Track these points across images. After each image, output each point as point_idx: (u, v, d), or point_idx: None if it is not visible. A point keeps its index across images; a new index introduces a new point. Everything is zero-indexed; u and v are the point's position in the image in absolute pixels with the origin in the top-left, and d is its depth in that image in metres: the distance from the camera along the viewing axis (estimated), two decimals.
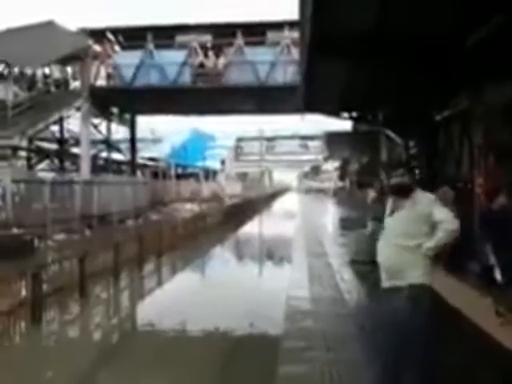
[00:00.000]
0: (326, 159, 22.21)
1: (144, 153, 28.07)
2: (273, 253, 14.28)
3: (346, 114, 10.78)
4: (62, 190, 14.31)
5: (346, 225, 14.14)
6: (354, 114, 10.97)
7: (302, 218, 19.07)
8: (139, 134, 26.53)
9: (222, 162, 34.04)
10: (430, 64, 6.39)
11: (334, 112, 10.55)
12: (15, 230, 10.70)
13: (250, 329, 6.52)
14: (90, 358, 5.80)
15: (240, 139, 40.02)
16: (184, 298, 8.64)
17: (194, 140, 29.27)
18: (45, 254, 10.33)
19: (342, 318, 5.08)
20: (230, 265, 13.14)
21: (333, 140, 11.57)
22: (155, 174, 25.41)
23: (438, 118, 9.07)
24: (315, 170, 54.58)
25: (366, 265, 6.81)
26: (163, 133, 29.49)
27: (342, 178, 34.27)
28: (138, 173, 23.44)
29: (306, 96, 8.92)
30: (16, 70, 14.00)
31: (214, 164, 31.66)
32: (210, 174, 30.67)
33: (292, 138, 44.90)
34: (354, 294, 6.19)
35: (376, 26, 5.47)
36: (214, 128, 30.56)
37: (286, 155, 46.05)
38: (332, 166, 35.71)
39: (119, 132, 20.87)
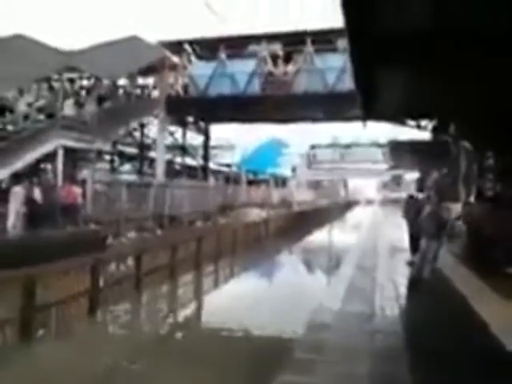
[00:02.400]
0: (389, 169, 21.23)
1: (218, 159, 29.15)
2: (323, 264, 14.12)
3: (412, 122, 10.31)
4: (137, 192, 15.41)
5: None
6: (423, 123, 10.45)
7: (373, 230, 18.48)
8: (215, 141, 27.67)
9: (293, 170, 34.10)
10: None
11: (399, 120, 10.14)
12: (92, 226, 11.77)
13: None
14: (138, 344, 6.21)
15: (313, 146, 39.74)
16: (230, 297, 8.96)
17: (266, 146, 29.71)
18: (115, 249, 11.20)
19: None
20: (281, 270, 13.25)
21: (397, 149, 11.07)
22: (227, 180, 26.23)
23: None
24: (396, 180, 52.16)
25: None
26: (238, 140, 30.34)
27: (420, 190, 32.53)
28: (212, 178, 24.41)
29: (364, 104, 8.71)
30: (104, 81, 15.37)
31: (285, 171, 31.84)
32: (280, 181, 30.87)
33: (369, 145, 43.46)
34: None
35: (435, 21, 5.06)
36: (287, 135, 30.76)
37: (362, 163, 44.60)
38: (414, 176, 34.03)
39: (195, 139, 21.96)
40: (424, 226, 8.93)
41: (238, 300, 9.10)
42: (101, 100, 15.36)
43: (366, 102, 8.44)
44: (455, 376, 3.77)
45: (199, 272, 12.07)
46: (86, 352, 6.13)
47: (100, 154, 15.25)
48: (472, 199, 12.07)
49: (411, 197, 10.51)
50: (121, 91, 17.26)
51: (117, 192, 14.14)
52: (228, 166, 29.25)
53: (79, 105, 14.24)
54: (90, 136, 12.66)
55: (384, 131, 25.72)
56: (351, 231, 23.18)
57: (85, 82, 16.72)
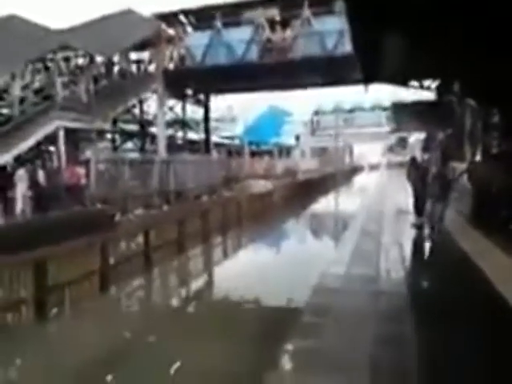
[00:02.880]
0: (392, 132, 20.94)
1: (221, 132, 28.93)
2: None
3: (415, 83, 10.09)
4: (141, 169, 15.44)
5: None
6: (426, 83, 10.22)
7: (379, 195, 18.51)
8: (216, 114, 27.41)
9: (297, 138, 33.76)
10: None
11: (401, 81, 9.92)
12: (99, 206, 11.87)
13: None
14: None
15: (316, 113, 39.13)
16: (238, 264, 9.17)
17: (267, 116, 29.37)
18: (124, 226, 11.33)
19: None
20: (287, 239, 13.42)
21: (400, 111, 10.86)
22: (230, 153, 26.12)
23: None
24: (401, 143, 51.47)
25: None
26: (240, 111, 30.02)
27: (425, 150, 32.24)
28: (214, 152, 24.31)
29: (363, 67, 8.51)
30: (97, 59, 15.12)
31: (288, 140, 31.59)
32: (284, 151, 30.69)
33: (373, 109, 42.72)
34: None
35: None
36: (289, 104, 30.32)
37: (367, 128, 43.99)
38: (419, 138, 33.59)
39: (195, 113, 21.73)
40: (430, 187, 8.90)
41: (246, 269, 9.28)
42: (97, 78, 15.16)
43: (366, 64, 8.25)
44: (458, 332, 3.85)
45: (207, 245, 12.23)
46: (101, 327, 6.31)
47: (101, 133, 15.18)
48: (477, 158, 11.94)
49: (413, 159, 10.43)
50: (117, 68, 17.00)
51: (121, 170, 14.19)
52: (231, 138, 29.05)
53: (75, 84, 14.07)
54: (90, 115, 12.57)
55: (387, 94, 25.31)
56: (357, 196, 23.20)
57: (80, 61, 16.45)
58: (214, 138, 26.34)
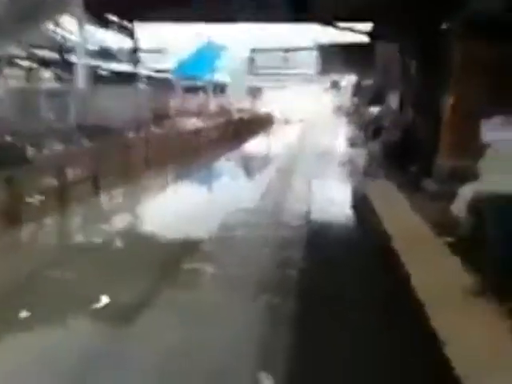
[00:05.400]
0: (320, 73, 21.12)
1: (151, 64, 27.26)
2: None
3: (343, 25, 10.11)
4: (59, 101, 14.40)
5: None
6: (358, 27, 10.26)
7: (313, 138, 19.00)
8: (147, 44, 25.65)
9: (232, 76, 32.89)
10: None
11: (330, 22, 9.90)
12: (8, 139, 11.01)
13: None
14: None
15: (253, 50, 38.03)
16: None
17: (203, 50, 28.02)
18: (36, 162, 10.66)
19: None
20: (210, 178, 13.62)
21: (327, 52, 10.87)
22: (160, 87, 24.95)
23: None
24: (335, 86, 51.96)
25: None
26: (172, 44, 28.33)
27: (355, 94, 33.08)
28: (143, 85, 23.04)
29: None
30: None
31: (223, 77, 30.64)
32: (218, 88, 29.80)
33: (311, 49, 42.27)
34: None
35: None
36: (226, 39, 28.95)
37: (304, 69, 43.72)
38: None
39: (124, 43, 20.15)
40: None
41: (164, 208, 9.29)
42: None
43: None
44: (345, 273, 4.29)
45: (127, 182, 11.95)
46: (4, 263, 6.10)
47: (12, 59, 13.73)
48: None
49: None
50: None
51: (33, 102, 13.14)
52: (162, 71, 27.58)
53: None
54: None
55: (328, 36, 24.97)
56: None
57: None
58: (144, 71, 24.88)
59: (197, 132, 19.38)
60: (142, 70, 23.30)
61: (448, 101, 6.58)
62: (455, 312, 3.34)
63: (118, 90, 18.16)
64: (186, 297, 4.32)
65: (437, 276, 4.00)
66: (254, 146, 21.81)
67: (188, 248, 5.77)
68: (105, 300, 4.28)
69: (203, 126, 21.04)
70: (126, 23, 18.32)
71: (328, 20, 10.16)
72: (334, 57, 10.43)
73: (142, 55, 26.97)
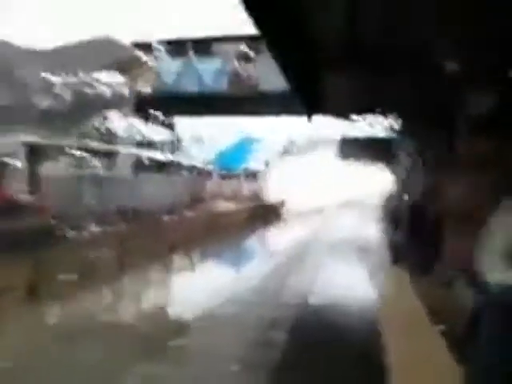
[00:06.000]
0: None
1: (192, 154, 29.31)
2: None
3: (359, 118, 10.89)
4: (102, 186, 15.63)
5: None
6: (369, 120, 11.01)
7: None
8: (187, 136, 27.90)
9: (267, 164, 34.36)
10: None
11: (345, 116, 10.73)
12: (51, 222, 11.93)
13: None
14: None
15: (290, 142, 40.06)
16: None
17: (241, 144, 30.08)
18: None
19: None
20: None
21: (347, 145, 11.56)
22: (200, 174, 26.52)
23: None
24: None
25: None
26: (209, 136, 30.62)
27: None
28: (184, 173, 24.63)
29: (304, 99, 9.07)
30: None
31: (256, 165, 32.09)
32: (250, 175, 31.14)
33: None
34: None
35: None
36: (260, 130, 30.88)
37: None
38: None
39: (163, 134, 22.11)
40: None
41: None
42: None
43: (307, 98, 8.79)
44: None
45: (154, 262, 12.40)
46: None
47: (62, 149, 15.39)
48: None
49: None
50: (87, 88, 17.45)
51: (79, 187, 14.40)
52: (202, 161, 29.48)
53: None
54: (48, 131, 12.86)
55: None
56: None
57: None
58: (186, 160, 26.70)
59: (227, 214, 20.14)
60: (183, 159, 25.03)
61: None
62: None
63: (158, 177, 19.56)
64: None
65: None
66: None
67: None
68: None
69: (236, 209, 21.85)
70: (167, 118, 20.33)
71: (346, 113, 10.91)
72: (353, 148, 11.09)
73: (183, 145, 29.19)
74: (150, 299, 9.70)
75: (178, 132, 21.19)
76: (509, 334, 3.03)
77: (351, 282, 8.75)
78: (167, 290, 10.71)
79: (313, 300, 7.02)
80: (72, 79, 14.85)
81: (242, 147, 30.34)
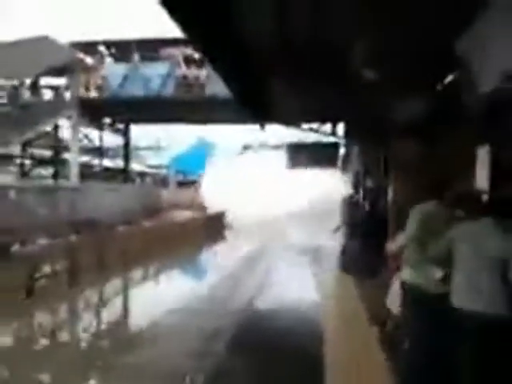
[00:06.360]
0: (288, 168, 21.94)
1: (146, 161, 28.86)
2: None
3: (306, 126, 11.07)
4: (49, 197, 14.99)
5: None
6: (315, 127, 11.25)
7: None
8: (143, 142, 27.45)
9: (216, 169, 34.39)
10: None
11: (293, 124, 10.85)
12: None
13: None
14: None
15: (245, 147, 40.30)
16: None
17: (195, 148, 29.89)
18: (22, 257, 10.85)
19: None
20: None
21: (293, 151, 11.74)
22: (155, 182, 26.10)
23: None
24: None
25: None
26: (167, 142, 30.27)
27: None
28: (137, 180, 24.17)
29: (253, 108, 9.16)
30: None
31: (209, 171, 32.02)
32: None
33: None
34: None
35: None
36: (214, 136, 30.93)
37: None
38: None
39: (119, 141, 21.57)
40: None
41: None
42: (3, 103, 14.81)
43: (256, 107, 8.89)
44: None
45: (107, 274, 12.05)
46: None
47: (7, 158, 14.68)
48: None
49: None
50: (27, 93, 16.71)
51: (23, 198, 13.73)
52: (156, 167, 29.04)
53: None
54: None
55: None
56: None
57: None
58: (139, 167, 26.19)
59: (187, 223, 19.87)
60: (139, 166, 24.53)
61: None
62: None
63: (110, 186, 19.00)
64: None
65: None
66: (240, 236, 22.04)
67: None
68: None
69: (192, 217, 21.57)
70: (118, 125, 19.82)
71: (295, 122, 11.08)
72: (299, 154, 11.26)
73: (140, 152, 28.64)
74: (100, 313, 9.39)
75: (129, 138, 20.66)
76: (432, 333, 3.18)
77: (299, 285, 8.88)
78: (119, 302, 10.42)
79: (259, 305, 7.06)
80: (8, 82, 14.15)
81: (197, 153, 30.19)
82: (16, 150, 15.33)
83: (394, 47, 4.88)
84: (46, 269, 10.78)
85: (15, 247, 11.40)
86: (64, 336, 7.26)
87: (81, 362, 5.32)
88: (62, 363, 5.25)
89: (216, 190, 25.01)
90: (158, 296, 9.73)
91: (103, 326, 7.82)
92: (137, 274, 13.33)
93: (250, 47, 5.48)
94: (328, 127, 11.90)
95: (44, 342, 6.86)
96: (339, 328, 4.95)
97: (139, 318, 7.67)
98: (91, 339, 6.72)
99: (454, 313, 2.83)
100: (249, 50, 5.57)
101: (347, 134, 10.84)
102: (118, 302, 10.25)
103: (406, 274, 3.53)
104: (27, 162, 17.93)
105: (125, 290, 11.64)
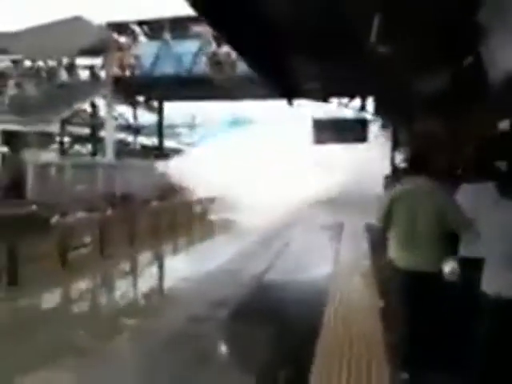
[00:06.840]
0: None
1: (181, 137, 29.29)
2: None
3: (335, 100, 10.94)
4: (86, 173, 15.64)
5: None
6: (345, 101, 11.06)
7: None
8: (178, 120, 27.80)
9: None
10: None
11: (322, 98, 10.73)
12: (33, 209, 12.05)
13: None
14: None
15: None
16: None
17: (230, 124, 29.91)
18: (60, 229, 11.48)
19: None
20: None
21: (319, 126, 11.53)
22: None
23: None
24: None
25: None
26: (198, 118, 30.48)
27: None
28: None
29: (282, 83, 9.13)
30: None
31: None
32: None
33: None
34: None
35: None
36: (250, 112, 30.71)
37: None
38: None
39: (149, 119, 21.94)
40: None
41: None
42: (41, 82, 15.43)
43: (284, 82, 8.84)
44: None
45: (136, 247, 12.54)
46: None
47: (47, 135, 15.40)
48: None
49: None
50: (64, 74, 17.28)
51: (62, 174, 14.44)
52: (192, 144, 29.41)
53: (20, 87, 14.33)
54: (30, 118, 12.85)
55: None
56: None
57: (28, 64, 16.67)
58: (173, 144, 26.63)
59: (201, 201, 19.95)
60: (172, 143, 24.96)
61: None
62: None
63: (144, 162, 19.53)
64: None
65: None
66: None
67: None
68: None
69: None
70: (152, 102, 20.19)
71: (318, 96, 10.90)
72: (326, 129, 11.06)
73: (173, 130, 29.07)
74: (130, 284, 9.88)
75: (166, 116, 21.05)
76: (418, 300, 3.29)
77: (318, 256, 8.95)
78: (149, 274, 10.87)
79: (272, 276, 7.21)
80: (46, 63, 14.70)
81: (234, 128, 30.20)
82: (55, 128, 16.01)
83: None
84: (83, 240, 11.34)
85: (54, 219, 12.10)
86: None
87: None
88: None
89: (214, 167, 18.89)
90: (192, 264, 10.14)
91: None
92: (167, 246, 13.78)
93: (273, 22, 5.47)
94: (357, 102, 11.69)
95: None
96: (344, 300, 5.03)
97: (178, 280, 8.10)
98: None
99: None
100: (272, 24, 5.57)
101: (377, 109, 10.60)
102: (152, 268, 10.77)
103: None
104: (66, 139, 18.71)
105: (157, 260, 12.19)
